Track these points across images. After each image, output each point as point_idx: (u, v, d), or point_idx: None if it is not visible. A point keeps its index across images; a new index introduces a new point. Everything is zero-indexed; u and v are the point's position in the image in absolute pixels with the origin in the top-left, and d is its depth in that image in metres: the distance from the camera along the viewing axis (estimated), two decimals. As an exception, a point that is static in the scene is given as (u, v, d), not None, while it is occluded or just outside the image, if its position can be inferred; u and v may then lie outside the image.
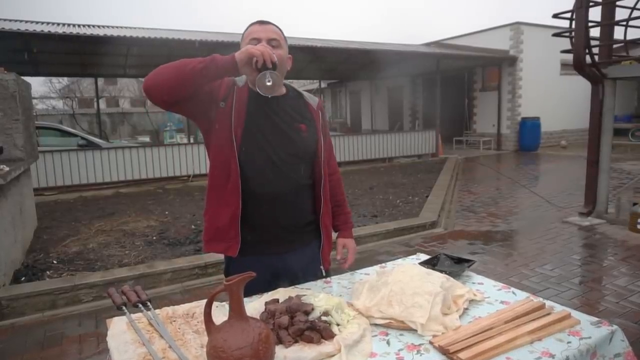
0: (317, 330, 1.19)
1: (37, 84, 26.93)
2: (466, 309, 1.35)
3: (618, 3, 5.01)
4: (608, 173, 5.25)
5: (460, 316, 1.30)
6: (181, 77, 1.33)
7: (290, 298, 1.33)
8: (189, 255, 4.29)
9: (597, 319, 1.26)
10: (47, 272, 3.92)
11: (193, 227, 5.46)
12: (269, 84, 1.36)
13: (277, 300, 1.36)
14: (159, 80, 1.34)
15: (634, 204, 4.79)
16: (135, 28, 11.02)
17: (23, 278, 3.76)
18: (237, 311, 1.00)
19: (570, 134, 14.86)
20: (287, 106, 1.57)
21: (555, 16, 5.23)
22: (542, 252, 4.33)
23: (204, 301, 1.47)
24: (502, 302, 1.40)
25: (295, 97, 1.63)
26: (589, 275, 3.74)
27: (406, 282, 1.38)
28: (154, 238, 5.01)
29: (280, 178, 1.52)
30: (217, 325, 1.02)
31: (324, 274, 1.67)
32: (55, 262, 4.20)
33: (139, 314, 1.39)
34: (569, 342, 1.15)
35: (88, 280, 3.55)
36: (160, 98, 1.38)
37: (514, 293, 1.47)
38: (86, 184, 8.54)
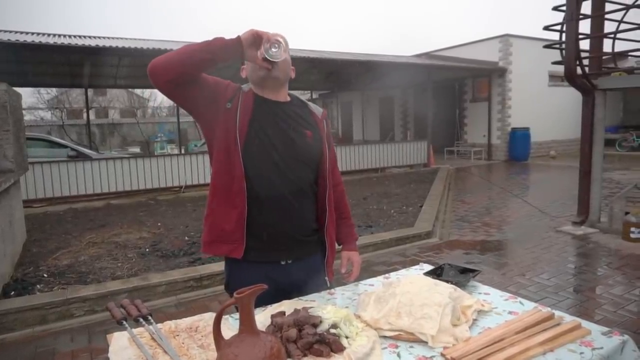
0: (326, 343, 1.16)
1: (26, 95, 26.65)
2: (475, 319, 1.34)
3: (606, 16, 5.12)
4: (600, 183, 5.31)
5: (469, 327, 1.28)
6: (187, 53, 1.34)
7: (296, 310, 1.30)
8: (183, 267, 4.23)
9: (607, 328, 1.26)
10: (38, 286, 3.83)
11: (187, 238, 5.39)
12: (274, 50, 1.36)
13: (283, 313, 1.33)
14: (165, 59, 1.36)
15: (626, 213, 4.84)
16: (127, 39, 10.99)
17: (12, 292, 3.66)
18: (248, 325, 0.98)
19: (559, 144, 15.07)
20: (292, 112, 1.57)
21: (546, 28, 5.32)
22: (538, 261, 4.35)
23: (207, 314, 1.44)
24: (510, 313, 1.39)
25: (300, 105, 1.63)
26: (585, 284, 3.75)
27: (414, 293, 1.36)
28: (147, 250, 4.93)
29: (284, 182, 1.50)
30: (226, 340, 0.99)
31: (328, 284, 1.65)
32: (45, 275, 4.11)
33: (141, 329, 1.35)
34: (581, 353, 1.13)
35: (80, 294, 3.47)
36: (164, 77, 1.36)
37: (521, 303, 1.46)
38: (76, 196, 8.42)
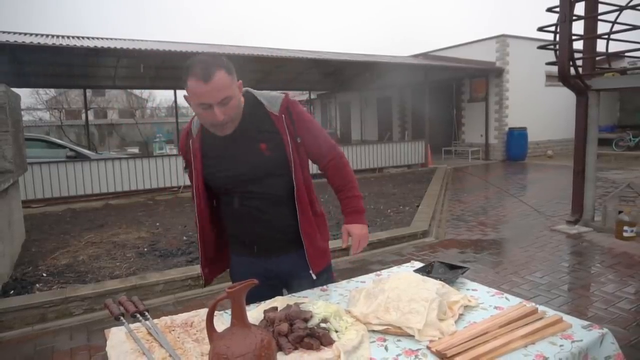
0: (316, 337, 1.21)
1: (24, 96, 26.63)
2: (461, 314, 1.38)
3: (600, 17, 5.17)
4: (594, 182, 5.36)
5: (455, 321, 1.33)
6: None
7: (288, 306, 1.35)
8: (181, 266, 4.27)
9: (588, 322, 1.30)
10: (37, 285, 3.86)
11: (185, 238, 5.43)
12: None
13: (275, 309, 1.37)
14: None
15: (620, 212, 4.89)
16: (125, 40, 11.02)
17: (12, 291, 3.70)
18: (239, 318, 1.02)
19: (555, 143, 15.14)
20: (243, 130, 1.51)
21: (540, 29, 5.37)
22: (532, 259, 4.39)
23: (202, 310, 1.49)
24: (495, 308, 1.43)
25: (253, 112, 1.53)
26: (578, 282, 3.80)
27: (403, 289, 1.40)
28: (145, 249, 4.97)
29: (254, 197, 1.56)
30: (219, 333, 1.04)
31: (314, 277, 1.64)
32: (44, 275, 4.15)
33: (137, 324, 1.39)
34: (561, 345, 1.18)
35: (79, 293, 3.51)
36: None
37: (507, 299, 1.51)
38: (75, 196, 8.45)
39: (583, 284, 3.75)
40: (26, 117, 24.63)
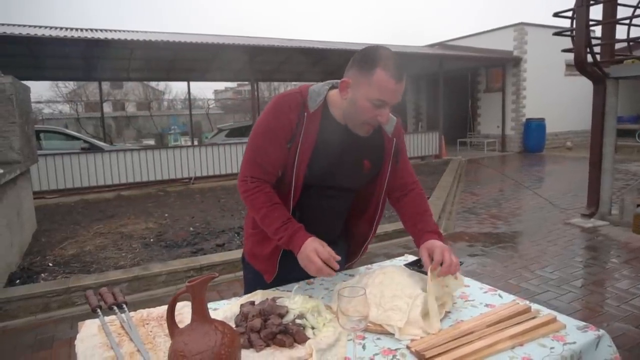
0: (289, 334, 1.15)
1: (44, 89, 27.25)
2: (448, 312, 1.30)
3: (620, 1, 4.94)
4: (611, 174, 5.16)
5: (441, 319, 1.25)
6: (258, 218, 1.42)
7: (266, 300, 1.29)
8: (185, 257, 4.26)
9: (584, 323, 1.21)
10: (42, 274, 3.91)
11: (192, 229, 5.44)
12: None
13: (252, 303, 1.32)
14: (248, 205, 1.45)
15: (638, 205, 4.69)
16: (138, 32, 11.06)
17: (18, 281, 3.75)
18: (199, 313, 0.96)
19: (575, 135, 14.72)
20: (358, 139, 1.41)
21: (556, 15, 5.16)
22: (543, 254, 4.25)
23: (181, 303, 1.44)
24: (486, 305, 1.35)
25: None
26: (590, 278, 3.66)
27: (387, 284, 1.33)
28: (152, 240, 4.99)
29: (329, 207, 1.52)
30: (180, 329, 0.99)
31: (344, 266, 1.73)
32: (51, 264, 4.19)
33: (113, 317, 1.36)
34: (552, 348, 1.09)
35: (82, 283, 3.53)
36: None
37: (500, 296, 1.42)
38: (88, 187, 8.57)
39: (596, 280, 3.60)
40: (46, 110, 25.12)
